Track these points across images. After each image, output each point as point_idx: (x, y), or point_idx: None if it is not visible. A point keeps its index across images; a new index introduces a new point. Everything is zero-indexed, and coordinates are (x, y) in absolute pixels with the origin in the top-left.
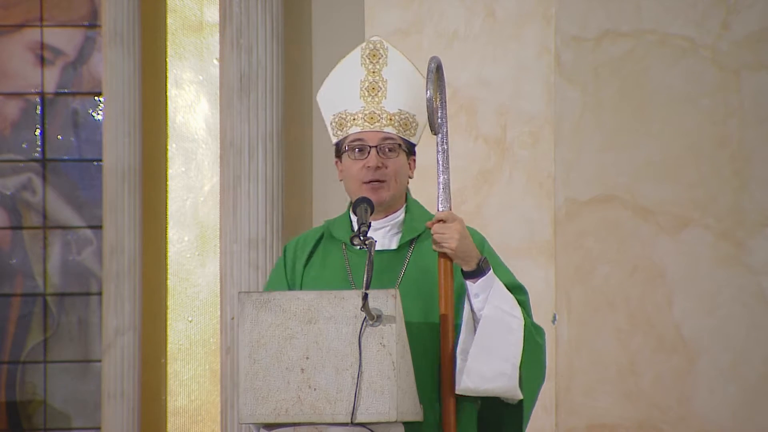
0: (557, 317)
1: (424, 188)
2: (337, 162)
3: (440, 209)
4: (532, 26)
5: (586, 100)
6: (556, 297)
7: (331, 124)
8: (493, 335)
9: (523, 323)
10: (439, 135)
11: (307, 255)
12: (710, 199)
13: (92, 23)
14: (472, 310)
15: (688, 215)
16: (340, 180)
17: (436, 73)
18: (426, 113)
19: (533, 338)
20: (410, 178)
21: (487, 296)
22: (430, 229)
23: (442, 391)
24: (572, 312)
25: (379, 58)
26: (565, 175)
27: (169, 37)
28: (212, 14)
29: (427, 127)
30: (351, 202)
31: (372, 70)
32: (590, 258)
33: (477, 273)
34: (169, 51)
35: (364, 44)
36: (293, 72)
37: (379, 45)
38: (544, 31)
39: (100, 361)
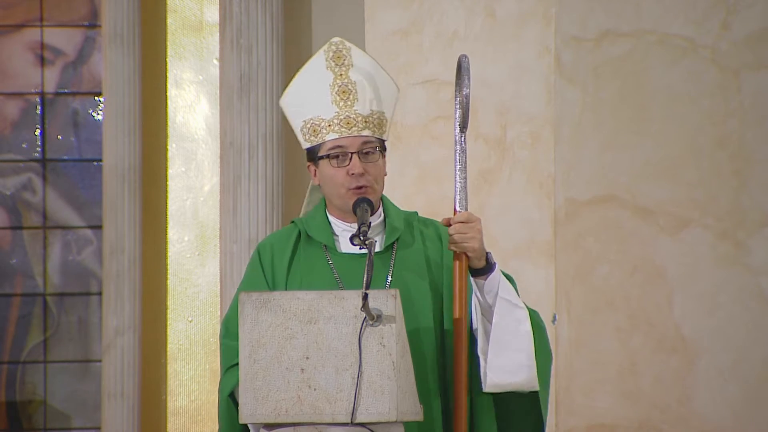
0: (557, 317)
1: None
2: (310, 166)
3: (458, 209)
4: (532, 26)
5: (586, 100)
6: (556, 297)
7: (301, 130)
8: (508, 329)
9: (527, 311)
10: (462, 134)
11: (288, 259)
12: (710, 199)
13: (92, 23)
14: (481, 306)
15: (688, 215)
16: (317, 184)
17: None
18: (392, 104)
19: (538, 324)
20: (386, 175)
21: (496, 291)
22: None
23: (456, 391)
24: (572, 312)
25: (344, 60)
26: (565, 175)
27: (169, 37)
28: (212, 14)
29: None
30: (324, 203)
31: (339, 73)
32: (590, 258)
33: (487, 269)
34: (169, 51)
35: (326, 46)
36: (293, 72)
37: (341, 46)
38: (544, 31)
39: (100, 361)
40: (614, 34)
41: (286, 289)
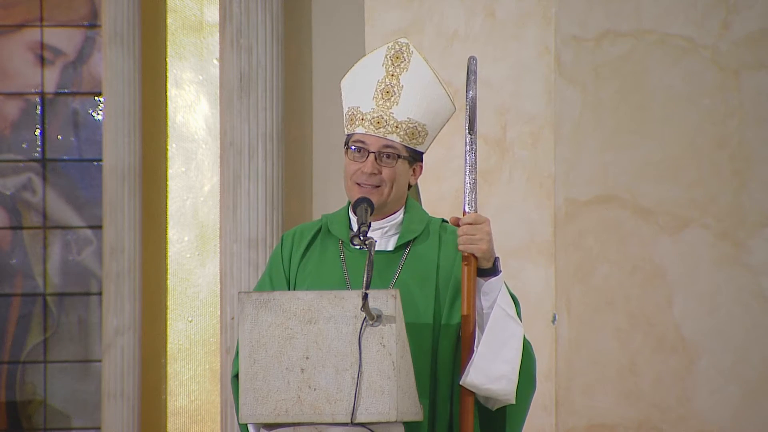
0: (557, 317)
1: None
2: (345, 152)
3: (467, 210)
4: (532, 26)
5: (586, 100)
6: (556, 297)
7: (345, 115)
8: (499, 337)
9: (522, 331)
10: (470, 136)
11: (303, 248)
12: (710, 199)
13: (92, 23)
14: (481, 307)
15: (688, 215)
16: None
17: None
18: (440, 121)
19: (529, 351)
20: (412, 184)
21: (495, 296)
22: (440, 227)
23: (462, 391)
24: (572, 312)
25: (401, 62)
26: (565, 175)
27: (169, 37)
28: (212, 14)
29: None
30: (350, 201)
31: (391, 73)
32: (590, 258)
33: (491, 271)
34: (169, 51)
35: (391, 44)
36: (293, 72)
37: (404, 48)
38: (544, 31)
39: (100, 361)
40: (614, 34)
41: (296, 278)
